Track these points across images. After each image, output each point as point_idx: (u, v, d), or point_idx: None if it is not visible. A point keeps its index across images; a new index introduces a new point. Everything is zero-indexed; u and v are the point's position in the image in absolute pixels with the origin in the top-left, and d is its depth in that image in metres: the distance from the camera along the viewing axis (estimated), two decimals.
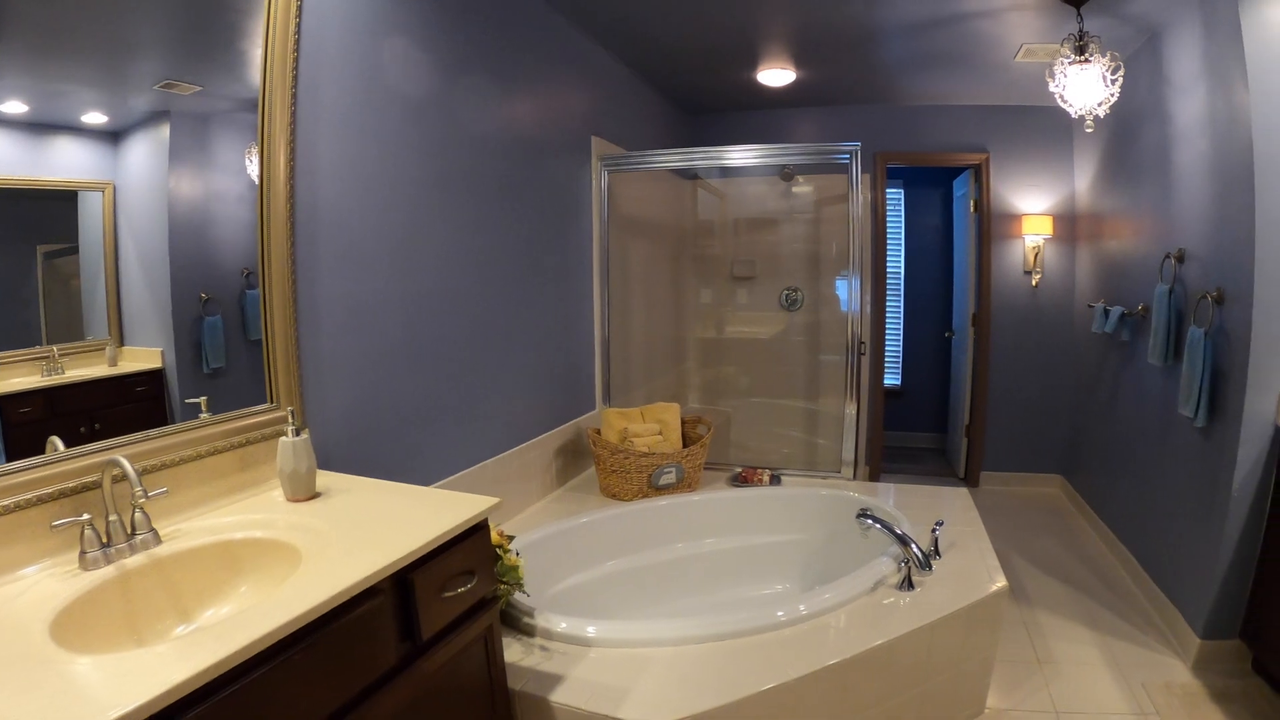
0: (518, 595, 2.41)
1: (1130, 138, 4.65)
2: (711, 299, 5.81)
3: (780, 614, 2.46)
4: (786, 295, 5.58)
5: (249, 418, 2.04)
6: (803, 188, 5.54)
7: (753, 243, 5.70)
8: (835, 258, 5.44)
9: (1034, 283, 5.96)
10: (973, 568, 2.91)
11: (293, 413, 1.99)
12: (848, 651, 2.32)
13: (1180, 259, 3.90)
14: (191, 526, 1.75)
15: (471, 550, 1.79)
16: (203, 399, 1.97)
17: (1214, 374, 3.48)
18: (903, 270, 7.44)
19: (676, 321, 5.54)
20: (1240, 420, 3.27)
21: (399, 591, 1.58)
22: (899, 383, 7.60)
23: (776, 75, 4.93)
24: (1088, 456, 5.55)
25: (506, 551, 2.34)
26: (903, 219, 7.38)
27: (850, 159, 3.91)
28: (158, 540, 1.64)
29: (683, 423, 3.88)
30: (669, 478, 3.53)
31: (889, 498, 3.69)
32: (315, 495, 1.95)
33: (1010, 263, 5.98)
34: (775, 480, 3.83)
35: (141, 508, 1.61)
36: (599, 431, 3.69)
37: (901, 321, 7.51)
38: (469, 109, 2.99)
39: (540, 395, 3.58)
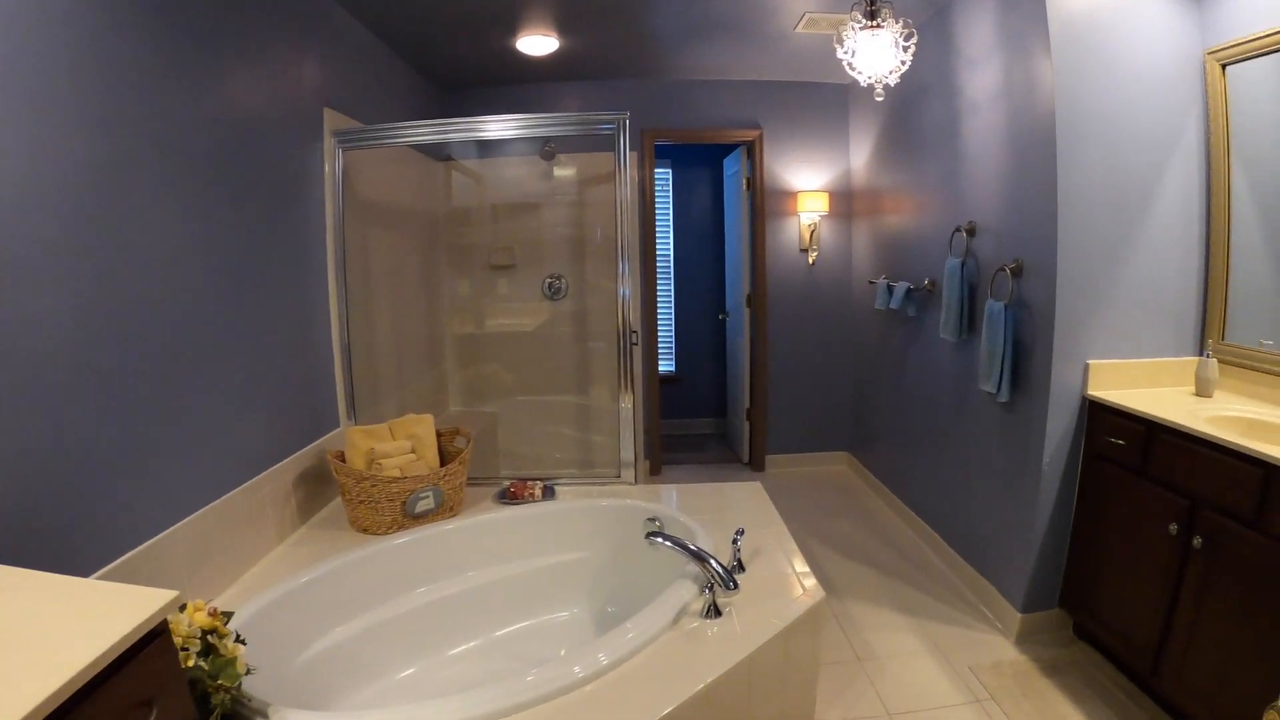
0: (246, 686, 1.94)
1: (913, 112, 4.67)
2: (469, 291, 5.43)
3: (578, 669, 2.12)
4: (549, 284, 5.29)
5: None
6: (565, 168, 5.24)
7: (512, 229, 5.36)
8: (600, 242, 5.21)
9: (810, 261, 5.98)
10: (782, 578, 2.71)
11: None
12: (662, 707, 2.01)
13: (971, 232, 3.95)
14: None
15: (146, 670, 1.32)
16: None
17: (1015, 347, 3.54)
18: (672, 252, 7.32)
19: (430, 318, 5.10)
20: (1047, 393, 3.35)
21: None
22: (674, 369, 7.49)
23: (538, 43, 4.58)
24: (875, 433, 5.64)
25: (223, 638, 1.88)
26: (671, 199, 7.25)
27: (616, 129, 3.62)
28: None
29: (439, 435, 3.48)
30: (426, 503, 3.13)
31: (677, 500, 3.48)
32: None
33: (785, 241, 5.96)
34: (549, 492, 3.50)
35: None
36: (342, 455, 3.24)
37: (673, 305, 7.40)
38: (160, 71, 2.42)
39: (270, 418, 3.05)
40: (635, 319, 5.37)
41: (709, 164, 7.24)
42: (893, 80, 3.41)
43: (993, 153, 3.75)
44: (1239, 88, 3.25)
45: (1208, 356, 3.25)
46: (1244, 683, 2.47)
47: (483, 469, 4.09)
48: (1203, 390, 3.26)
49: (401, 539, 3.06)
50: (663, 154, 6.99)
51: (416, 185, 4.88)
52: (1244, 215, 3.31)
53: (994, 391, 3.63)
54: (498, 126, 3.68)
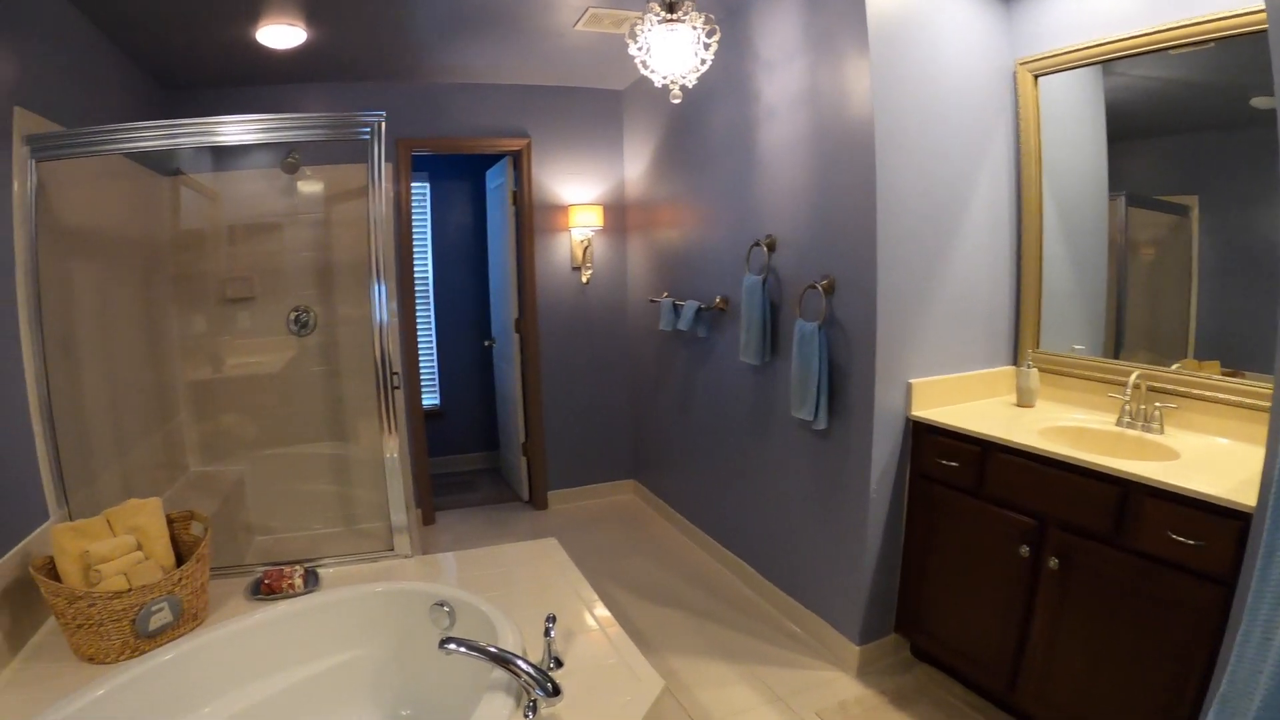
0: None
1: (699, 118, 4.36)
2: (203, 329, 4.59)
3: None
4: (295, 316, 4.59)
5: None
6: (311, 183, 4.55)
7: (250, 254, 4.57)
8: (352, 266, 4.54)
9: (584, 279, 5.60)
10: (611, 670, 2.24)
11: None
12: None
13: (772, 246, 3.72)
14: None
15: None
16: None
17: (831, 371, 3.35)
18: (431, 274, 6.71)
19: (157, 364, 4.26)
20: (871, 418, 3.19)
21: None
22: (438, 402, 6.90)
23: (282, 34, 3.87)
24: (662, 460, 5.37)
25: None
26: (429, 216, 6.64)
27: (372, 134, 3.07)
28: None
29: (170, 522, 2.75)
30: (162, 618, 2.43)
31: (458, 572, 2.99)
32: None
33: (556, 259, 5.54)
34: (311, 578, 2.86)
35: None
36: (52, 563, 2.50)
37: (434, 333, 6.80)
38: None
39: None
40: (396, 351, 4.83)
41: (470, 177, 6.70)
42: (691, 81, 3.09)
43: (795, 161, 3.50)
44: (1045, 99, 3.29)
45: (1029, 367, 3.26)
46: (1113, 693, 2.48)
47: (231, 549, 3.41)
48: (1025, 400, 3.27)
49: (137, 668, 2.34)
50: (419, 166, 6.39)
51: (135, 204, 4.04)
52: (1049, 224, 3.37)
53: (810, 419, 3.39)
54: (237, 129, 2.96)
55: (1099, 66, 3.06)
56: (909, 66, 3.06)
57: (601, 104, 5.45)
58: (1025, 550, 2.72)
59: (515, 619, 2.47)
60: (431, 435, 6.39)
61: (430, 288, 6.73)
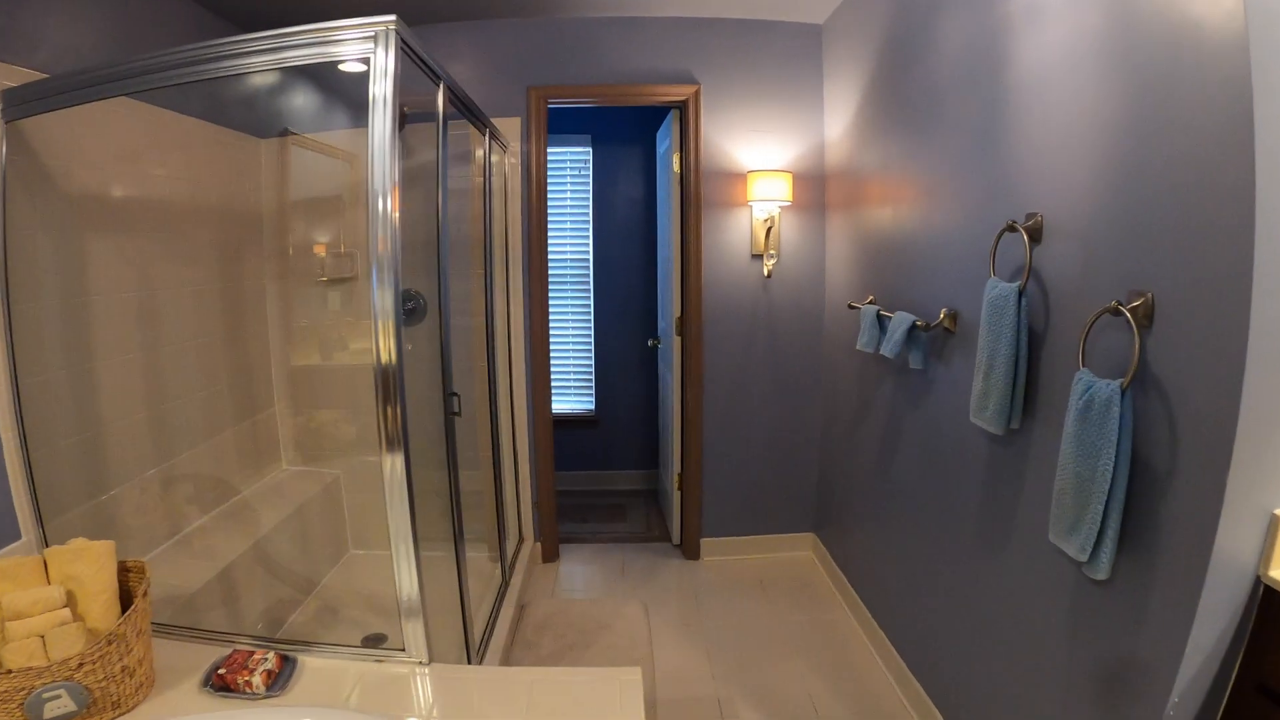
0: None
1: (920, 46, 3.31)
2: (300, 313, 4.34)
3: None
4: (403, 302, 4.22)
5: None
6: (420, 143, 4.22)
7: (353, 228, 4.27)
8: (470, 243, 4.19)
9: (766, 271, 4.82)
10: None
11: None
12: None
13: (1035, 234, 2.43)
14: None
15: None
16: None
17: (1132, 473, 1.97)
18: (592, 256, 6.17)
19: (235, 353, 4.00)
20: (1202, 573, 1.79)
21: None
22: (593, 408, 6.38)
23: None
24: (852, 519, 4.39)
25: None
26: (591, 187, 6.09)
27: (376, 46, 2.14)
28: None
29: (125, 571, 2.29)
30: (61, 706, 1.96)
31: (479, 711, 2.16)
32: None
33: (730, 242, 4.81)
34: (283, 672, 2.26)
35: None
36: None
37: (592, 325, 6.28)
38: None
39: None
40: (517, 344, 4.49)
41: (641, 139, 6.09)
42: None
43: (1077, 93, 2.22)
44: None
45: None
46: None
47: (266, 591, 3.04)
48: None
49: None
50: (580, 126, 5.90)
51: (215, 171, 3.82)
52: None
53: (1080, 556, 2.06)
54: (189, 60, 2.33)
55: None
56: None
57: (793, 40, 4.61)
58: None
59: None
60: (582, 446, 5.96)
61: (590, 272, 6.22)
